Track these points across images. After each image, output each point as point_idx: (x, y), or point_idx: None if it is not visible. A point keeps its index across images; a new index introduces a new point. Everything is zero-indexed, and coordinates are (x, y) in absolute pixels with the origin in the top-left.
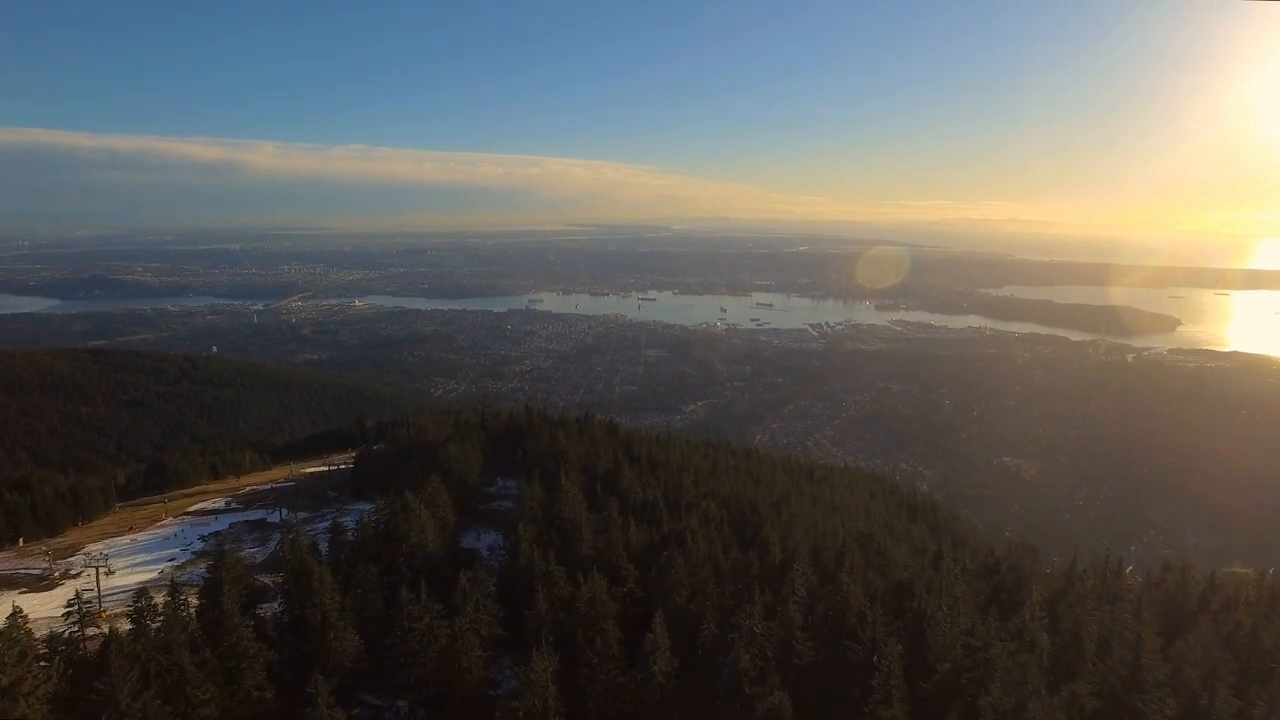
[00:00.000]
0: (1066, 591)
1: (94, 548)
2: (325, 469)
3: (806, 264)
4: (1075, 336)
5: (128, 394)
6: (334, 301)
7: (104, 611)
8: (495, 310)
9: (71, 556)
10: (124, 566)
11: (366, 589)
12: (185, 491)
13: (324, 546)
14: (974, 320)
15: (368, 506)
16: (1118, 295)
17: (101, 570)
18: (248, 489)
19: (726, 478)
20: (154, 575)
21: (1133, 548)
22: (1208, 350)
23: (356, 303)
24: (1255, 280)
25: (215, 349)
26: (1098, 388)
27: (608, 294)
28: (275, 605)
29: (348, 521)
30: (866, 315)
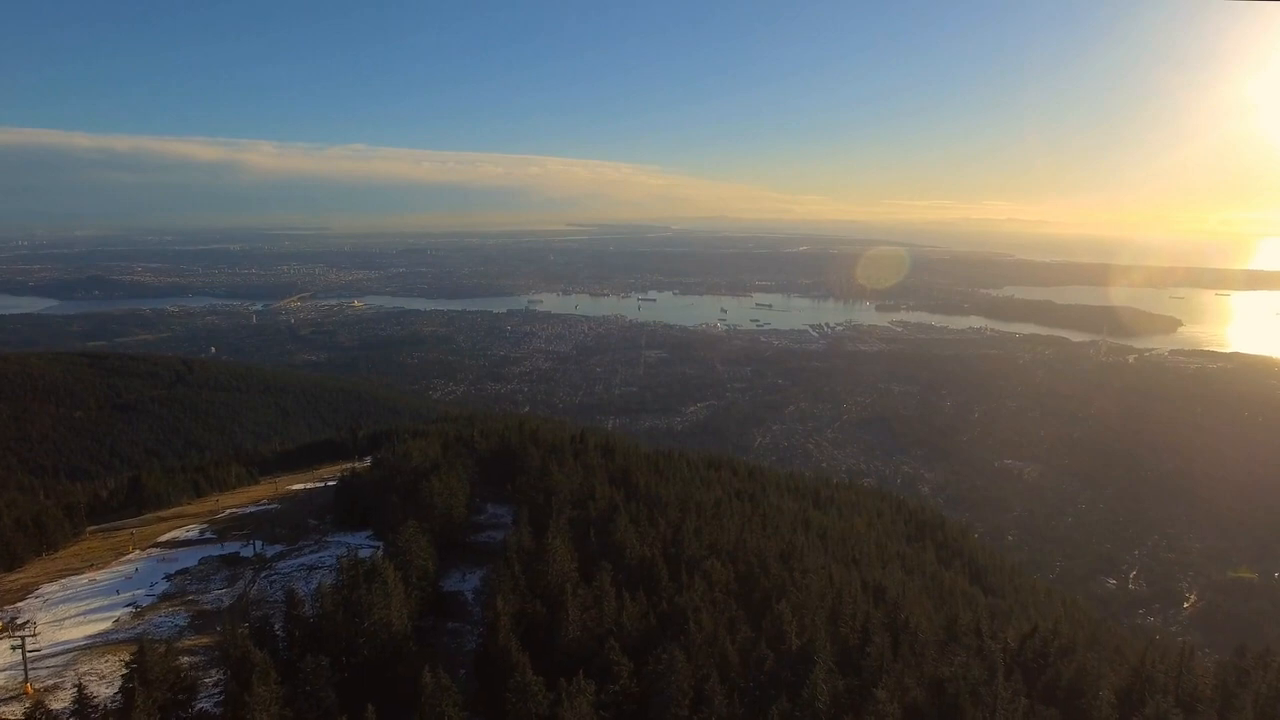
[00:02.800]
0: (1141, 699)
1: (49, 589)
2: (312, 487)
3: (806, 264)
4: (1076, 337)
5: (122, 398)
6: (333, 302)
7: (29, 686)
8: (495, 311)
9: (23, 600)
10: (77, 613)
11: (317, 685)
12: (161, 514)
13: (303, 585)
14: (975, 321)
15: (347, 539)
16: (1118, 296)
17: (27, 636)
18: (227, 513)
19: (731, 519)
20: (108, 626)
21: (1137, 551)
22: (1209, 351)
23: (356, 303)
24: (1255, 281)
25: (214, 350)
26: (1099, 389)
27: (608, 294)
28: (218, 681)
29: (324, 558)
30: (867, 316)
